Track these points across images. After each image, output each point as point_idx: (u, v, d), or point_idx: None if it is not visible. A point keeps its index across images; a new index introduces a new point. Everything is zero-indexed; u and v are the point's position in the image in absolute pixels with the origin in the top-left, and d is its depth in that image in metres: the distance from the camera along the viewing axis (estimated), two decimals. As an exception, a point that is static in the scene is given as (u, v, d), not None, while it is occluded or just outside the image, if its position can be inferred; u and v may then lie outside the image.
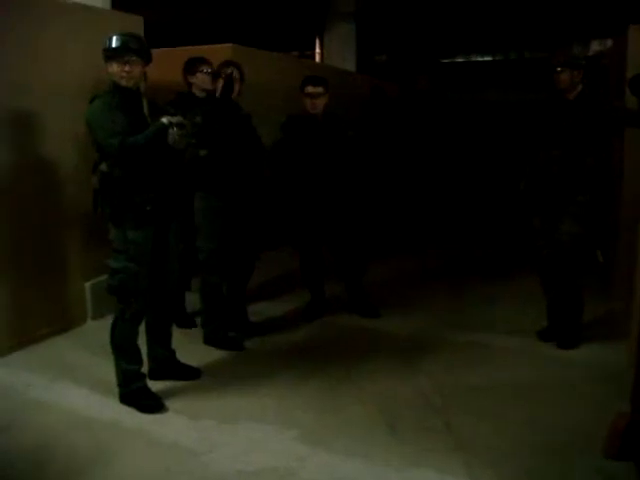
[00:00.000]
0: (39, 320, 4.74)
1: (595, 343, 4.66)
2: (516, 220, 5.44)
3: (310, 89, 5.00)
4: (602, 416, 3.34)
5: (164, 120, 3.50)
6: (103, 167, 3.54)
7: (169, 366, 4.07)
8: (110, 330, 3.74)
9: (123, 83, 3.59)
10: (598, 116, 4.39)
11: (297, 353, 4.61)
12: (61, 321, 4.91)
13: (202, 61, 5.04)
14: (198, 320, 4.85)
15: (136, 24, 5.42)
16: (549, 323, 4.80)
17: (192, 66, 5.06)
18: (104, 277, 4.88)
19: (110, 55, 3.58)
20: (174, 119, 3.51)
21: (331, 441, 3.41)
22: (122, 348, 3.73)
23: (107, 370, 3.91)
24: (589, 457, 3.19)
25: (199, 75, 4.99)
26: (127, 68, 3.56)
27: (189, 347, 4.48)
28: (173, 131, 3.47)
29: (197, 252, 4.56)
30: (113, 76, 3.60)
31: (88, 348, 4.59)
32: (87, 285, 5.10)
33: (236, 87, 4.49)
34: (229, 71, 4.44)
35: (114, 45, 3.57)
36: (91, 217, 4.57)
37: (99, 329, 4.83)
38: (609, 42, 11.57)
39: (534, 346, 4.66)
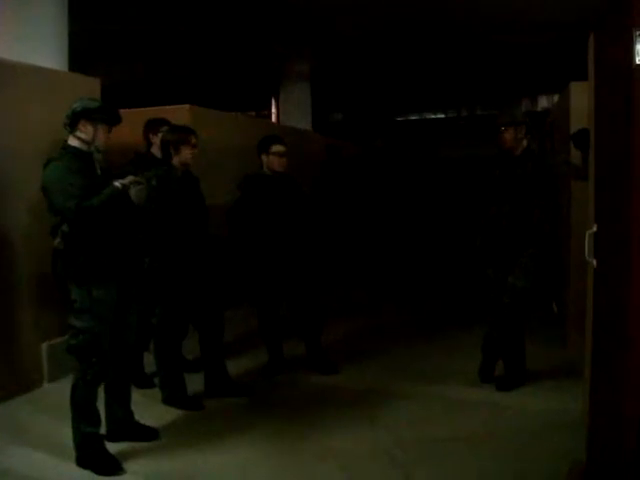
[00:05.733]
0: (-7, 383, 4.64)
1: (551, 391, 4.73)
2: (472, 272, 5.55)
3: (280, 148, 5.11)
4: (559, 465, 3.38)
5: (116, 184, 3.57)
6: (65, 228, 3.56)
7: (127, 427, 4.01)
8: (71, 391, 3.69)
9: (102, 146, 3.72)
10: (543, 169, 4.58)
11: (256, 412, 4.58)
12: (16, 384, 4.81)
13: (164, 122, 5.14)
14: (156, 380, 4.80)
15: (93, 86, 5.49)
16: (484, 364, 4.98)
17: (155, 125, 5.16)
18: (61, 338, 4.89)
19: (98, 118, 3.68)
20: (126, 181, 3.57)
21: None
22: (82, 410, 3.68)
23: (63, 433, 3.83)
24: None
25: (160, 135, 5.09)
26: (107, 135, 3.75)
27: (148, 407, 4.43)
28: (133, 191, 3.54)
29: (152, 314, 4.55)
30: (88, 138, 3.68)
31: (44, 411, 4.51)
32: (43, 346, 5.03)
33: (186, 151, 4.54)
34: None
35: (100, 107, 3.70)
36: (45, 278, 4.56)
37: (55, 392, 4.79)
38: (556, 97, 12.00)
39: (492, 396, 4.70)
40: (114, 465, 3.65)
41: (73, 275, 3.61)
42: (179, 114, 6.10)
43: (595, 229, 2.86)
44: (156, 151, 5.08)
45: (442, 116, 16.22)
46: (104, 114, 3.71)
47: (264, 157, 5.14)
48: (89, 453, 3.67)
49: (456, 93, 15.12)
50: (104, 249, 3.63)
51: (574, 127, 4.81)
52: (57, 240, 3.59)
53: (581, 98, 4.83)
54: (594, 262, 2.89)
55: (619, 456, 2.58)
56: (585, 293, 3.75)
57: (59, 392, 4.63)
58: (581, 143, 3.97)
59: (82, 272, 3.59)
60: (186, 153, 4.51)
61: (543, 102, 14.37)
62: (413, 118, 16.54)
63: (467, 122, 15.81)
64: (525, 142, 4.69)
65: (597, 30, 2.94)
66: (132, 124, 5.20)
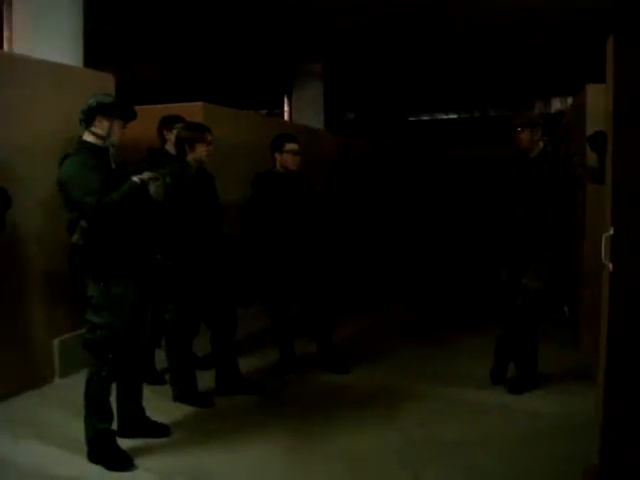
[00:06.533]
0: (5, 377, 4.62)
1: (562, 394, 4.71)
2: (484, 274, 5.53)
3: (294, 146, 5.12)
4: (571, 468, 3.36)
5: (135, 179, 3.57)
6: (83, 224, 3.56)
7: (139, 423, 4.02)
8: (85, 387, 3.69)
9: (117, 142, 3.73)
10: (559, 172, 4.56)
11: (267, 410, 4.58)
12: (28, 379, 4.82)
13: (179, 119, 5.14)
14: (167, 377, 4.80)
15: (107, 82, 5.50)
16: (496, 366, 4.93)
17: (170, 122, 5.16)
18: (72, 334, 4.91)
19: (114, 113, 3.70)
20: (145, 176, 3.57)
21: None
22: (95, 406, 3.68)
23: (75, 428, 3.84)
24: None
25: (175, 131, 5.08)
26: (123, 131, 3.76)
27: (159, 404, 4.44)
28: (152, 186, 3.55)
29: (164, 310, 4.56)
30: (104, 133, 3.69)
31: (56, 406, 4.51)
32: (55, 342, 5.04)
33: (202, 148, 4.53)
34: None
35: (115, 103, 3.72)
36: (57, 275, 4.58)
37: (67, 387, 4.82)
38: (570, 100, 11.94)
39: (503, 398, 4.69)
40: (125, 461, 3.66)
41: (92, 271, 3.61)
42: (192, 111, 6.10)
43: (612, 232, 2.84)
44: (170, 148, 5.08)
45: (454, 116, 16.17)
46: (119, 109, 3.72)
47: (277, 155, 5.14)
48: (101, 449, 3.67)
49: (469, 94, 15.07)
50: (123, 245, 3.64)
51: (590, 129, 4.78)
52: (75, 236, 3.59)
53: (597, 100, 4.81)
54: (610, 265, 2.87)
55: (633, 459, 2.57)
56: (599, 296, 3.73)
57: (70, 387, 4.67)
58: (598, 145, 3.94)
59: (101, 268, 3.59)
60: (201, 150, 4.51)
61: (556, 104, 14.30)
62: (425, 118, 16.50)
63: (479, 123, 15.76)
64: (541, 144, 4.68)
65: (617, 32, 2.92)
66: (145, 121, 5.20)
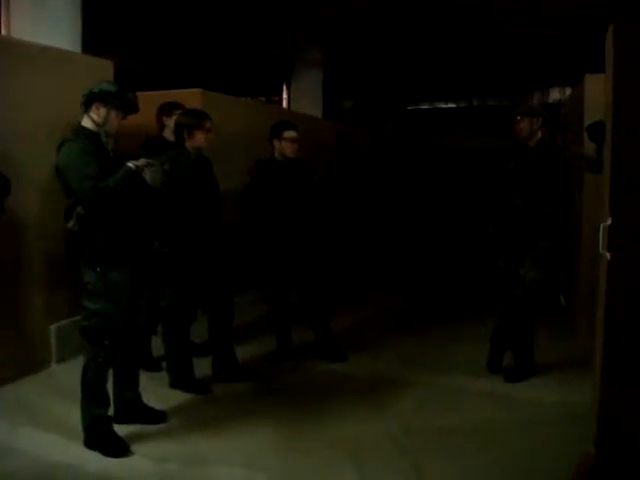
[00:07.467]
0: (2, 363, 4.61)
1: (559, 383, 4.73)
2: (482, 262, 5.53)
3: (292, 134, 5.10)
4: (568, 457, 3.37)
5: (130, 165, 3.55)
6: (79, 210, 3.55)
7: (135, 409, 4.02)
8: (81, 373, 3.70)
9: (112, 131, 3.71)
10: (558, 162, 4.56)
11: (264, 397, 4.59)
12: (25, 364, 4.82)
13: (179, 106, 5.13)
14: (164, 364, 4.80)
15: (106, 69, 5.47)
16: (492, 355, 4.96)
17: (169, 109, 5.15)
18: (69, 320, 4.91)
19: (113, 103, 3.67)
20: (140, 162, 3.56)
21: (299, 485, 3.38)
22: (92, 392, 3.69)
23: (71, 414, 3.85)
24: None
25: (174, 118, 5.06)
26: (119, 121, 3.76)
27: (155, 390, 4.43)
28: (148, 173, 3.53)
29: (161, 297, 4.55)
30: (100, 121, 3.68)
31: (52, 392, 4.51)
32: (52, 328, 5.04)
33: (200, 136, 4.52)
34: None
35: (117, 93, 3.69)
36: (55, 260, 4.56)
37: (64, 372, 4.81)
38: (568, 90, 11.92)
39: (500, 387, 4.70)
40: (122, 447, 3.67)
41: (88, 257, 3.60)
42: (190, 98, 6.07)
43: (610, 222, 2.85)
44: (168, 134, 5.08)
45: (453, 106, 16.13)
46: (120, 100, 3.70)
47: (276, 142, 5.13)
48: (97, 435, 3.68)
49: (468, 83, 15.05)
50: (120, 231, 3.63)
51: (588, 120, 4.77)
52: (71, 222, 3.59)
53: (596, 90, 4.79)
54: (608, 255, 2.88)
55: (629, 446, 2.59)
56: (596, 285, 3.74)
57: (67, 373, 4.68)
58: (596, 135, 3.93)
59: (97, 254, 3.58)
60: (200, 137, 4.49)
61: (555, 94, 14.28)
62: (424, 107, 16.46)
63: (478, 112, 15.73)
64: (540, 134, 4.68)
65: (616, 22, 2.92)
66: (143, 107, 5.17)
